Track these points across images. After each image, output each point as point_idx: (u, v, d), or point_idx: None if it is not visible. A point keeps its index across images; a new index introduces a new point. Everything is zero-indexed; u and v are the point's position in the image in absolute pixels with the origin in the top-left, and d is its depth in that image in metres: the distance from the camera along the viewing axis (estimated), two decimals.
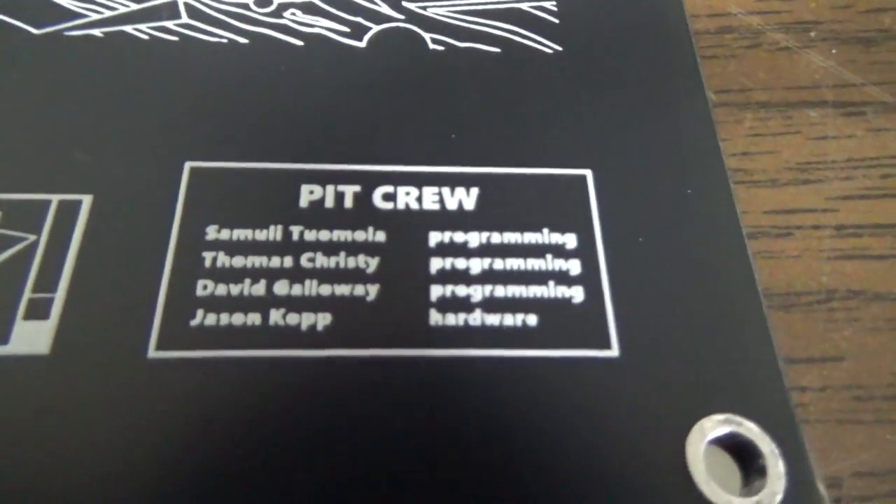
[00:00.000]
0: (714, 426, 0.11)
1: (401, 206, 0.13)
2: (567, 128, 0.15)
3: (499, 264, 0.13)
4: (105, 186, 0.13)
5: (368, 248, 0.13)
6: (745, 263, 0.13)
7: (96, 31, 0.15)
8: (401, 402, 0.11)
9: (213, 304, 0.12)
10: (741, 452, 0.11)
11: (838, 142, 0.16)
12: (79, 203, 0.13)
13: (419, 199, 0.13)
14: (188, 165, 0.13)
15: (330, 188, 0.13)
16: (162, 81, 0.14)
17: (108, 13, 0.15)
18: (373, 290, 0.12)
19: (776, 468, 0.11)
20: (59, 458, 0.11)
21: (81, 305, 0.12)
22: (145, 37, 0.15)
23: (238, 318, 0.12)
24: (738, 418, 0.11)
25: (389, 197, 0.14)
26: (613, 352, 0.12)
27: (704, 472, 0.11)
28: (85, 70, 0.14)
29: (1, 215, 0.13)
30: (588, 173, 0.14)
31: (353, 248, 0.13)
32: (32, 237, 0.12)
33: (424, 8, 0.16)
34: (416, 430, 0.11)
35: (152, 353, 0.11)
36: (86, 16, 0.15)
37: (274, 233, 0.13)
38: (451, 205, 0.13)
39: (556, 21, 0.16)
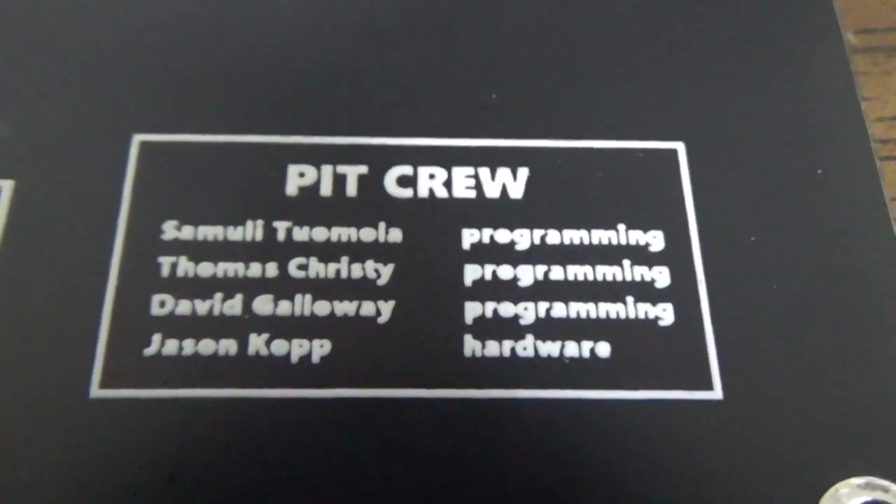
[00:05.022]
0: (852, 492, 0.10)
1: (423, 193, 0.12)
2: (651, 86, 0.13)
3: (556, 273, 0.11)
4: (31, 168, 0.12)
5: (380, 252, 0.11)
6: None
7: None
8: (425, 459, 0.10)
9: (174, 326, 0.11)
10: None
11: None
12: None
13: (447, 184, 0.12)
14: (137, 139, 0.12)
15: (326, 169, 0.12)
16: (104, 34, 0.13)
17: None
18: (386, 309, 0.11)
19: None
20: None
21: (2, 328, 0.11)
22: None
23: (207, 346, 0.11)
24: (884, 482, 0.10)
25: (407, 181, 0.12)
26: (716, 394, 0.11)
27: None
28: (6, 22, 0.13)
29: None
30: (680, 147, 0.12)
31: (358, 252, 0.11)
32: None
33: None
34: (445, 497, 0.10)
35: (95, 391, 0.10)
36: None
37: (252, 230, 0.12)
38: (492, 191, 0.12)
39: None
